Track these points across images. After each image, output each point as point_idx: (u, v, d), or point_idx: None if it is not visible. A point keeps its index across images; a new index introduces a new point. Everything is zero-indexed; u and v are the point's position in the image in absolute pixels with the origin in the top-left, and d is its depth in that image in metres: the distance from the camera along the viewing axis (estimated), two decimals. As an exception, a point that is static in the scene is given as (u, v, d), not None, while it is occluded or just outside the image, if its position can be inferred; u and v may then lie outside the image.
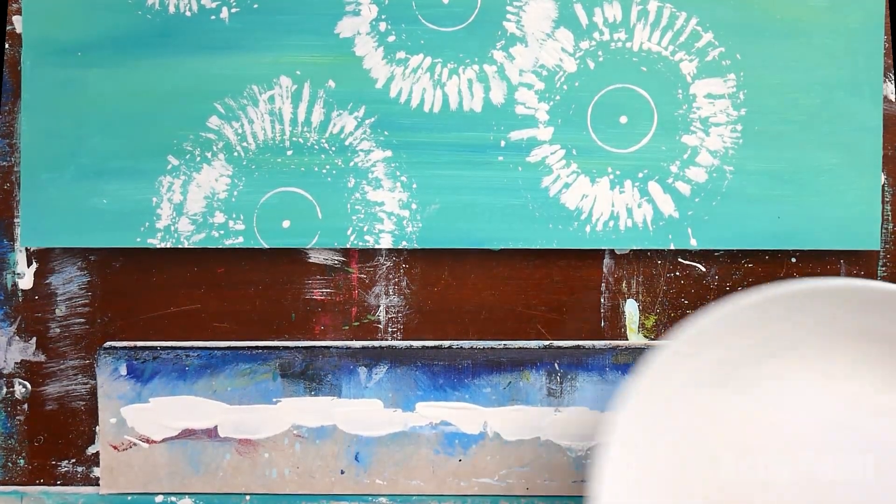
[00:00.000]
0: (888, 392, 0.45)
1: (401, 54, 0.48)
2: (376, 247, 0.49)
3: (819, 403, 0.45)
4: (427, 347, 0.50)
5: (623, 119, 0.48)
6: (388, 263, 0.50)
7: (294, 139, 0.48)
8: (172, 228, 0.48)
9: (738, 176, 0.48)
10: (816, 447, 0.45)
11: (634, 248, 0.49)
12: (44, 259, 0.50)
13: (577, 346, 0.49)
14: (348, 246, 0.48)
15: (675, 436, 0.45)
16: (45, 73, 0.48)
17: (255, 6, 0.48)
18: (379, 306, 0.50)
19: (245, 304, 0.50)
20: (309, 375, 0.50)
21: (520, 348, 0.49)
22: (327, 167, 0.48)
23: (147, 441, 0.50)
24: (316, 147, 0.48)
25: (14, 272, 0.50)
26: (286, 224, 0.48)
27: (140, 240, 0.48)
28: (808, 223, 0.48)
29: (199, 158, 0.48)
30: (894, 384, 0.45)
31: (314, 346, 0.50)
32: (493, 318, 0.50)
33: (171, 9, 0.48)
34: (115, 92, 0.48)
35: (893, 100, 0.48)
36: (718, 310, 0.43)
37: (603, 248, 0.49)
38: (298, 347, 0.50)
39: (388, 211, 0.48)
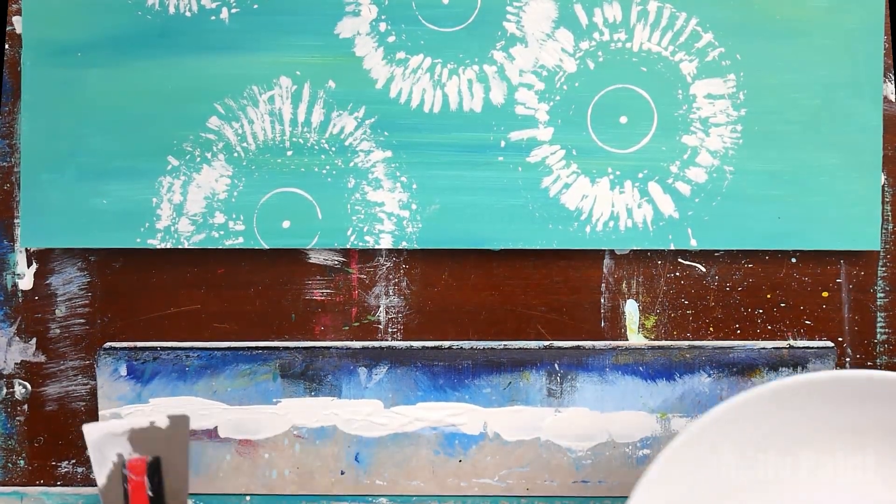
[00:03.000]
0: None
1: (401, 55, 0.48)
2: (376, 247, 0.49)
3: (835, 497, 0.44)
4: (427, 348, 0.50)
5: (623, 119, 0.48)
6: (388, 264, 0.50)
7: (294, 139, 0.48)
8: (172, 229, 0.48)
9: (738, 176, 0.48)
10: None
11: (634, 248, 0.49)
12: (44, 259, 0.50)
13: (577, 347, 0.49)
14: (348, 246, 0.48)
15: None
16: (45, 73, 0.48)
17: (255, 6, 0.48)
18: (379, 307, 0.50)
19: (245, 305, 0.50)
20: (309, 376, 0.50)
21: (520, 348, 0.49)
22: (327, 167, 0.48)
23: (147, 441, 0.50)
24: (316, 147, 0.48)
25: (14, 273, 0.50)
26: (286, 224, 0.48)
27: (140, 240, 0.48)
28: (808, 223, 0.48)
29: (199, 159, 0.48)
30: None
31: (314, 347, 0.50)
32: (493, 319, 0.50)
33: (171, 9, 0.48)
34: (115, 92, 0.48)
35: (893, 100, 0.48)
36: (733, 400, 0.41)
37: (603, 248, 0.49)
38: (298, 348, 0.50)
39: (388, 211, 0.48)
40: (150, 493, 0.43)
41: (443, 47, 0.48)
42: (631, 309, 0.50)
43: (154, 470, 0.43)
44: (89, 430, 0.43)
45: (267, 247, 0.48)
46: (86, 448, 0.50)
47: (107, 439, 0.43)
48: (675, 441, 0.41)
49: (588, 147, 0.48)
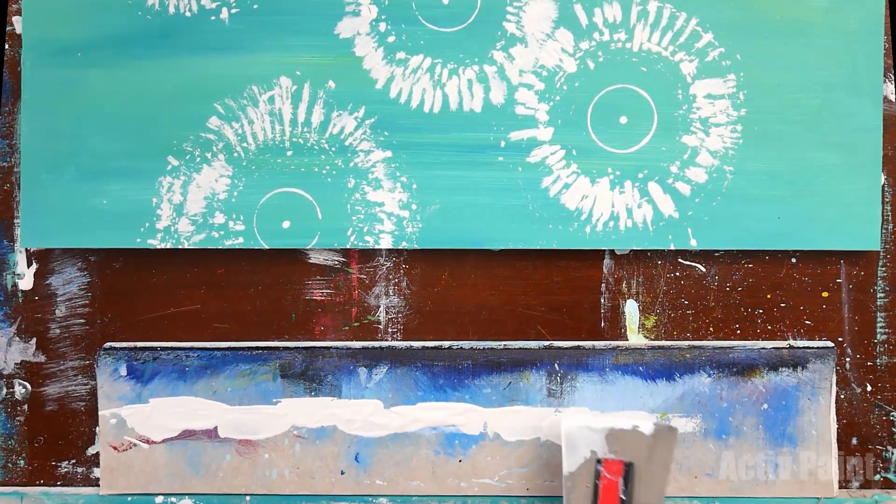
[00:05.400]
0: None
1: (401, 55, 0.48)
2: (376, 247, 0.49)
3: None
4: (427, 348, 0.50)
5: (623, 119, 0.48)
6: (388, 264, 0.50)
7: (294, 139, 0.48)
8: (172, 229, 0.48)
9: (739, 176, 0.48)
10: None
11: (634, 248, 0.49)
12: (44, 260, 0.50)
13: (577, 347, 0.49)
14: (348, 246, 0.48)
15: None
16: (45, 73, 0.48)
17: (255, 6, 0.48)
18: (379, 307, 0.50)
19: (245, 305, 0.50)
20: (309, 376, 0.50)
21: (520, 349, 0.49)
22: (327, 168, 0.48)
23: (147, 442, 0.50)
24: (316, 147, 0.48)
25: (14, 273, 0.50)
26: (286, 224, 0.48)
27: (140, 240, 0.48)
28: (808, 223, 0.48)
29: (199, 159, 0.48)
30: None
31: (314, 347, 0.50)
32: (493, 319, 0.50)
33: (171, 9, 0.48)
34: (115, 92, 0.48)
35: (893, 100, 0.48)
36: None
37: (603, 248, 0.49)
38: (298, 348, 0.50)
39: (388, 211, 0.48)
40: (622, 497, 0.43)
41: (443, 47, 0.48)
42: (631, 309, 0.50)
43: (628, 474, 0.44)
44: (567, 418, 0.44)
45: (267, 247, 0.48)
46: (86, 448, 0.51)
47: (583, 433, 0.45)
48: None
49: (588, 147, 0.48)
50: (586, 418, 0.46)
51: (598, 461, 0.45)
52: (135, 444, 0.50)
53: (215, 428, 0.50)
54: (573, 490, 0.45)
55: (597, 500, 0.44)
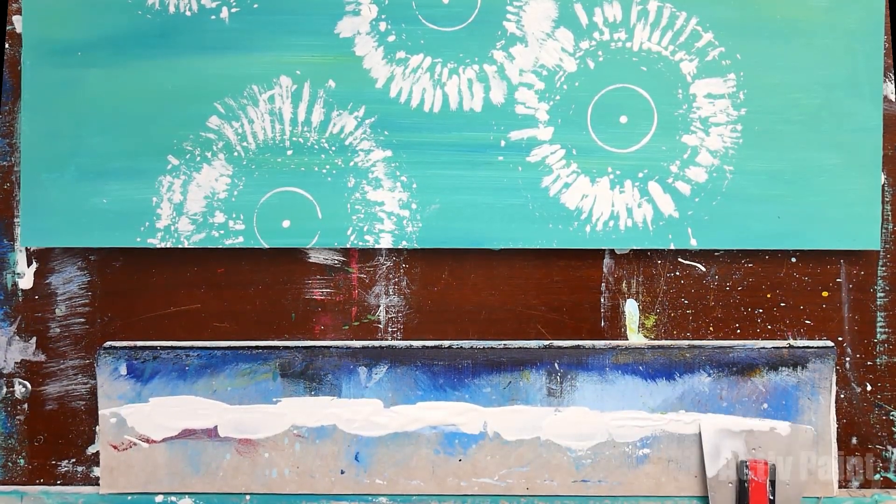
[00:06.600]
0: None
1: (401, 54, 0.48)
2: (376, 247, 0.49)
3: None
4: (427, 347, 0.50)
5: (623, 119, 0.48)
6: (388, 263, 0.50)
7: (294, 139, 0.48)
8: (172, 228, 0.48)
9: (739, 176, 0.48)
10: None
11: (634, 247, 0.49)
12: (44, 259, 0.50)
13: (577, 346, 0.49)
14: (348, 246, 0.48)
15: None
16: (45, 73, 0.48)
17: (255, 6, 0.48)
18: (379, 306, 0.50)
19: (245, 304, 0.50)
20: (309, 375, 0.50)
21: (520, 348, 0.49)
22: (327, 167, 0.48)
23: (147, 441, 0.50)
24: (316, 147, 0.48)
25: (14, 272, 0.50)
26: (286, 224, 0.48)
27: (140, 240, 0.48)
28: (808, 223, 0.48)
29: (199, 158, 0.48)
30: None
31: (314, 346, 0.50)
32: (493, 318, 0.50)
33: (171, 9, 0.48)
34: (115, 92, 0.48)
35: (893, 100, 0.48)
36: None
37: (603, 247, 0.49)
38: (298, 347, 0.50)
39: (388, 211, 0.48)
40: (770, 497, 0.45)
41: (443, 47, 0.48)
42: (631, 308, 0.50)
43: (772, 475, 0.46)
44: (706, 423, 0.47)
45: (267, 246, 0.49)
46: (85, 447, 0.51)
47: (724, 436, 0.47)
48: None
49: (588, 146, 0.48)
50: (723, 421, 0.47)
51: (743, 463, 0.47)
52: (135, 444, 0.50)
53: (215, 427, 0.50)
54: (717, 491, 0.47)
55: (746, 500, 0.46)
